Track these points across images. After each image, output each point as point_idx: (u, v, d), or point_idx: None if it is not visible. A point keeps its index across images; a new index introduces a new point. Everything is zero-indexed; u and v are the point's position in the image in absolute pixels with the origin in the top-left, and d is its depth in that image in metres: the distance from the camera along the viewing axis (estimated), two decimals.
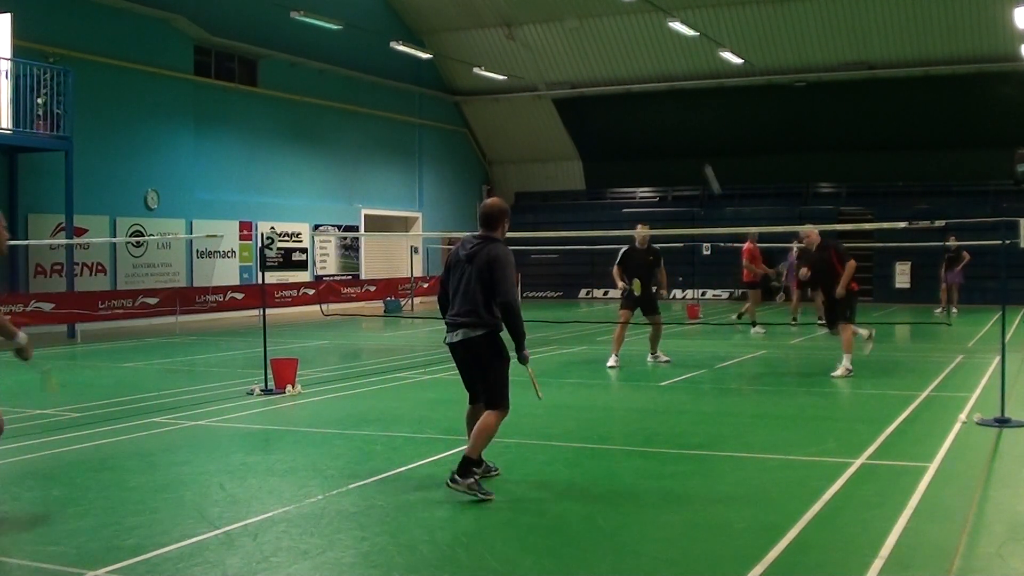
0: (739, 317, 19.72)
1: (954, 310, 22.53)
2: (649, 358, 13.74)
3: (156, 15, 22.50)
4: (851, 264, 12.14)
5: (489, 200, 6.94)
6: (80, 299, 19.19)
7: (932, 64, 28.65)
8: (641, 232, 13.57)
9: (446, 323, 6.67)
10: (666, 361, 13.64)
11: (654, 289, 13.57)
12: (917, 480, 6.68)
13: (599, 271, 31.12)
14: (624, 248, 13.62)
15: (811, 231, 12.79)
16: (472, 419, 6.69)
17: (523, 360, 6.51)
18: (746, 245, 18.74)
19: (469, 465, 6.32)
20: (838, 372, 12.11)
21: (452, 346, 6.65)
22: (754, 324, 18.43)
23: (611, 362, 13.35)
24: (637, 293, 13.29)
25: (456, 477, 6.26)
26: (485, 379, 6.54)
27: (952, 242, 22.78)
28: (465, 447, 6.51)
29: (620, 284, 13.42)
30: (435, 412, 9.93)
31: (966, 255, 22.90)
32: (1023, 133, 28.80)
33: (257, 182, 25.62)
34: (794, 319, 19.46)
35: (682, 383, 12.02)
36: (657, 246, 13.89)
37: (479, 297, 6.48)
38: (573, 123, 34.42)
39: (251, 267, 24.83)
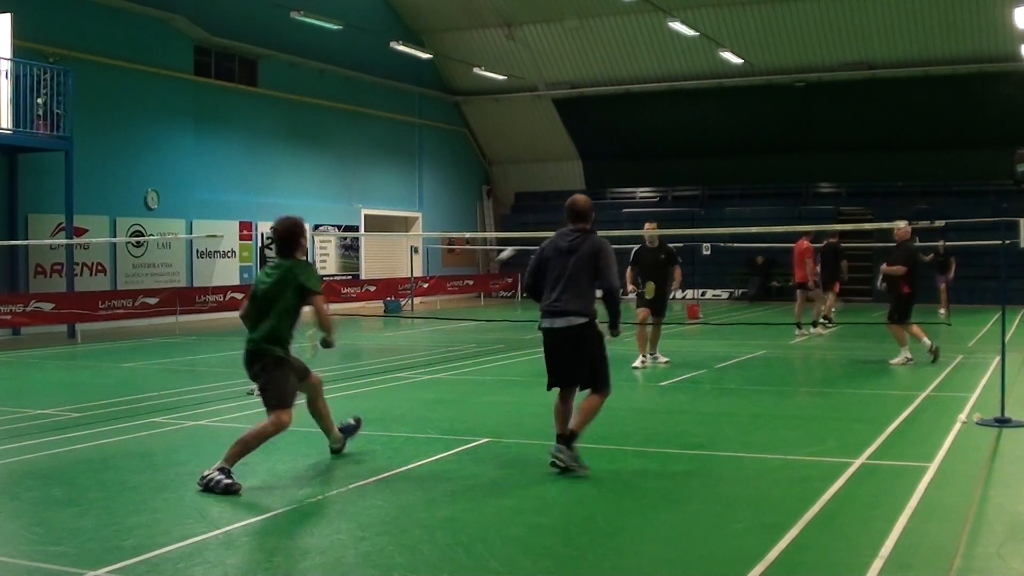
0: (817, 324, 18.38)
1: (942, 311, 22.26)
2: (648, 359, 13.72)
3: (156, 15, 22.50)
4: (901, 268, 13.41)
5: (578, 196, 7.28)
6: (80, 299, 19.18)
7: (932, 64, 28.64)
8: (649, 232, 13.53)
9: (545, 311, 7.02)
10: (665, 362, 13.63)
11: (671, 295, 13.63)
12: (917, 480, 6.68)
13: None
14: (636, 248, 13.62)
15: (898, 225, 13.53)
16: (563, 412, 7.00)
17: (616, 335, 7.10)
18: (804, 245, 18.03)
19: (574, 439, 6.90)
20: (895, 360, 13.35)
21: (553, 332, 6.98)
22: (814, 324, 17.98)
23: (637, 363, 13.28)
24: (649, 296, 13.27)
25: (561, 452, 6.82)
26: (592, 365, 6.94)
27: (940, 244, 22.61)
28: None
29: (630, 287, 13.39)
30: (435, 412, 9.93)
31: (952, 261, 22.74)
32: (1023, 133, 28.81)
33: (257, 182, 25.61)
34: (828, 320, 19.02)
35: (682, 383, 12.02)
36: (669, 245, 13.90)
37: (584, 287, 6.92)
38: (573, 123, 34.41)
39: (251, 267, 24.83)
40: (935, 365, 13.18)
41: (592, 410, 6.97)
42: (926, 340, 13.58)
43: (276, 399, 6.81)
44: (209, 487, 6.47)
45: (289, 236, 7.07)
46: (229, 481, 6.49)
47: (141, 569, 4.97)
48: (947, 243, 22.64)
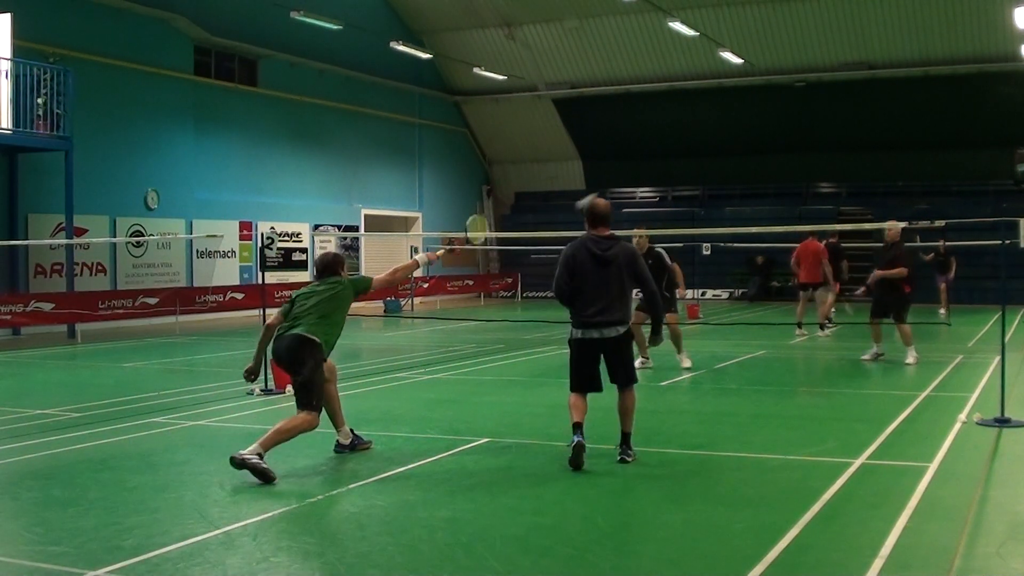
0: (825, 327, 18.31)
1: (942, 311, 22.15)
2: (649, 359, 13.46)
3: (156, 15, 22.50)
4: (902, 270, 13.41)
5: (598, 200, 7.41)
6: (80, 299, 19.18)
7: (932, 64, 28.64)
8: (636, 232, 13.22)
9: (591, 322, 7.19)
10: (687, 366, 13.24)
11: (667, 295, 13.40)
12: (917, 480, 6.68)
13: None
14: None
15: (894, 226, 13.43)
16: (580, 406, 7.26)
17: (659, 342, 7.93)
18: (819, 246, 17.74)
19: (629, 439, 7.40)
20: (910, 360, 13.28)
21: (603, 341, 7.21)
22: (821, 327, 17.90)
23: (636, 363, 13.16)
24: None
25: (628, 451, 7.34)
26: (626, 364, 7.36)
27: (941, 244, 22.46)
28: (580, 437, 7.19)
29: None
30: (435, 412, 9.93)
31: (953, 261, 22.58)
32: (1023, 133, 28.80)
33: (257, 182, 25.61)
34: (828, 320, 18.99)
35: (682, 383, 12.02)
36: (659, 247, 13.51)
37: (627, 295, 7.31)
38: (573, 123, 34.41)
39: (251, 267, 24.83)
40: (934, 365, 13.18)
41: (633, 406, 7.44)
42: (878, 348, 13.74)
43: (316, 400, 7.25)
44: (245, 465, 6.75)
45: (329, 265, 7.92)
46: (266, 466, 6.80)
47: (141, 569, 4.97)
48: (947, 243, 22.57)
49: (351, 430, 7.90)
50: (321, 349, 7.35)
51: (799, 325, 17.87)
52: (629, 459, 7.29)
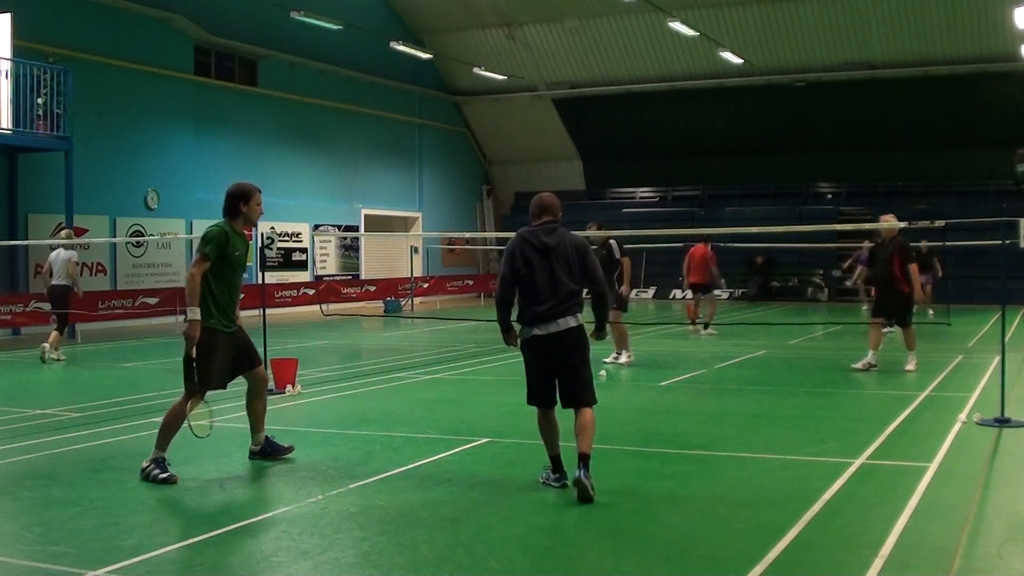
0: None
1: (930, 311, 22.00)
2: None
3: (156, 15, 22.50)
4: (914, 267, 12.66)
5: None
6: (80, 299, 19.14)
7: (932, 64, 28.65)
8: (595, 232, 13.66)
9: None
10: (620, 363, 13.36)
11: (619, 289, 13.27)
12: (917, 480, 6.68)
13: None
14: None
15: (891, 223, 12.63)
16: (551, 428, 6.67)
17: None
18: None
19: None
20: (910, 367, 12.58)
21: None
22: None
23: (610, 359, 13.39)
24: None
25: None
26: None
27: (923, 244, 22.13)
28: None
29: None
30: (435, 412, 9.93)
31: (937, 263, 22.39)
32: (1023, 133, 28.81)
33: (257, 182, 24.92)
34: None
35: (682, 383, 12.02)
36: (632, 245, 13.76)
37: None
38: (573, 123, 34.41)
39: (251, 267, 24.81)
40: (934, 365, 13.17)
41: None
42: (872, 357, 12.85)
43: (189, 379, 7.15)
44: (148, 479, 6.78)
45: (228, 198, 7.62)
46: (166, 475, 6.78)
47: (141, 569, 4.97)
48: (935, 243, 22.27)
49: (267, 437, 7.54)
50: (204, 325, 7.14)
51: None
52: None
